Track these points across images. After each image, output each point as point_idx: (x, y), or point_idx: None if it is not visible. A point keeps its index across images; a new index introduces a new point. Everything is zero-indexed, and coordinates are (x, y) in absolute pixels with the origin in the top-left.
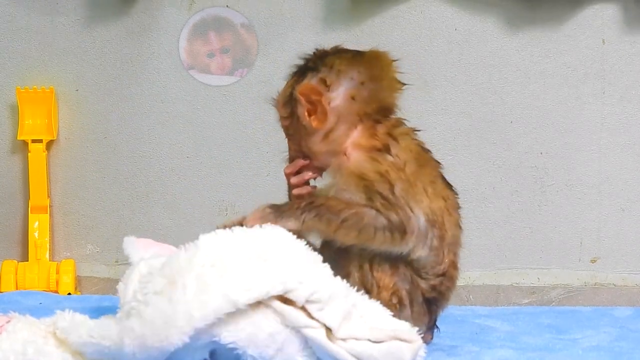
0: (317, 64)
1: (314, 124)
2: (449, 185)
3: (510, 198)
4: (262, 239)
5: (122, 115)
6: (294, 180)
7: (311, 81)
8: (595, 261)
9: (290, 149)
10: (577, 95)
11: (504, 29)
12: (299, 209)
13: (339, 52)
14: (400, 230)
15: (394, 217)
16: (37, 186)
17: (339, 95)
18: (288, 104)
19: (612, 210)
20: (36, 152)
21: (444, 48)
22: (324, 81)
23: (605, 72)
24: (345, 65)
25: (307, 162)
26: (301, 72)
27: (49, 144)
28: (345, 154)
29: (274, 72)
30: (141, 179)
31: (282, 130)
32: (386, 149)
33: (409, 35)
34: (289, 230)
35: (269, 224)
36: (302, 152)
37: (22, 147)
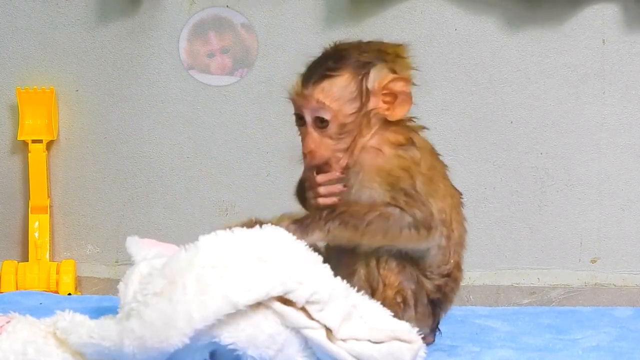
0: (379, 55)
1: (397, 113)
2: (452, 186)
3: (510, 198)
4: (262, 239)
5: (122, 115)
6: (323, 190)
7: (382, 72)
8: (595, 261)
9: (325, 149)
10: (577, 95)
11: (504, 29)
12: (322, 219)
13: (387, 43)
14: (426, 225)
15: (418, 213)
16: (37, 186)
17: (406, 84)
18: (357, 99)
19: (612, 210)
20: (36, 152)
21: (444, 48)
22: (394, 71)
23: (605, 72)
24: (402, 55)
25: (343, 175)
26: (359, 66)
27: (49, 144)
28: (380, 150)
29: (274, 72)
30: (141, 179)
31: (337, 129)
32: (410, 143)
33: (409, 35)
34: (317, 243)
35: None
36: (340, 152)
37: (22, 148)
